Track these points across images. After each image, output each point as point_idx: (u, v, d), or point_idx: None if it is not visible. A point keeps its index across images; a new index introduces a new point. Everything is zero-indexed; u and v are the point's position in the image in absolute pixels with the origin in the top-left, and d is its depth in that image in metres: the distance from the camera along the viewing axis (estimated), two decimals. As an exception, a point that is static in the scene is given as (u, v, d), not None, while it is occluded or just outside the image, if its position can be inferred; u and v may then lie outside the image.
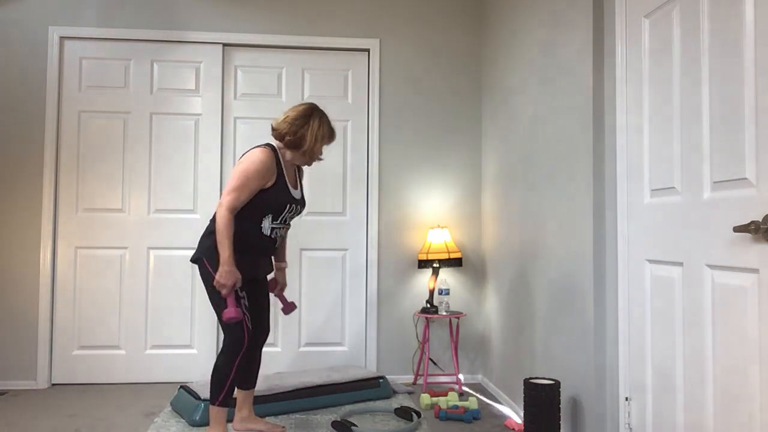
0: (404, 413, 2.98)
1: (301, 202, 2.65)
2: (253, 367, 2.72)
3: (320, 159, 2.64)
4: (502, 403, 3.35)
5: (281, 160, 2.57)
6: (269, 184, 2.50)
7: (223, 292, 2.37)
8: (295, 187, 2.64)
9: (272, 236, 2.57)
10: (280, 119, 2.59)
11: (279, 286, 2.82)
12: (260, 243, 2.55)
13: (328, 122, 2.62)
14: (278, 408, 3.04)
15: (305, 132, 2.53)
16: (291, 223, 2.73)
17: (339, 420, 2.80)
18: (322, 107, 2.66)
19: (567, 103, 2.61)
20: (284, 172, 2.56)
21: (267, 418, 3.00)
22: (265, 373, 3.64)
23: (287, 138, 2.54)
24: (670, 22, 2.03)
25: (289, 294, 3.81)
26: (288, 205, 2.56)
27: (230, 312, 2.35)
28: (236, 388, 2.69)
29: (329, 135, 2.60)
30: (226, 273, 2.35)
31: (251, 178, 2.43)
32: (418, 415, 2.93)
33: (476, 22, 3.99)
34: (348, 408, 3.17)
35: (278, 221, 2.57)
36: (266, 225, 2.54)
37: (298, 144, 2.53)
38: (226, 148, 3.84)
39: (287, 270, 2.70)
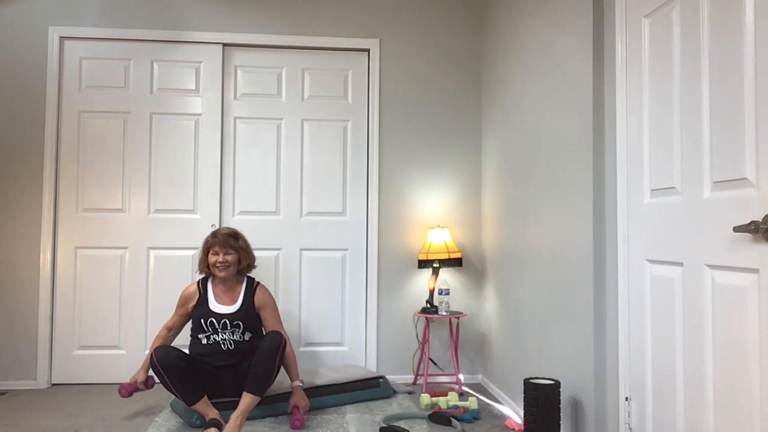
0: (439, 418, 2.90)
1: (229, 316, 3.04)
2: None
3: (218, 265, 3.06)
4: (502, 403, 3.35)
5: (208, 285, 3.14)
6: (190, 307, 3.12)
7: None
8: (229, 304, 3.08)
9: (210, 343, 3.00)
10: None
11: (293, 403, 2.96)
12: (206, 350, 2.99)
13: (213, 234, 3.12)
14: (278, 409, 3.03)
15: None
16: (237, 329, 3.05)
17: (386, 426, 2.75)
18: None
19: (567, 103, 2.61)
20: (209, 293, 3.11)
21: (267, 418, 3.00)
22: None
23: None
24: (670, 22, 2.03)
25: (289, 293, 3.82)
26: (206, 320, 3.03)
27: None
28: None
29: (210, 242, 3.10)
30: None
31: (176, 306, 3.18)
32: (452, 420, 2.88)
33: (476, 22, 3.99)
34: (387, 411, 3.15)
35: (208, 332, 3.02)
36: (202, 336, 3.03)
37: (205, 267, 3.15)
38: (226, 148, 3.84)
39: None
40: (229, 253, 3.08)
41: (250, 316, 3.08)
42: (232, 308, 3.08)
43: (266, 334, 2.97)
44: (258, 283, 3.20)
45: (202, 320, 3.04)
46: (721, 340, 1.75)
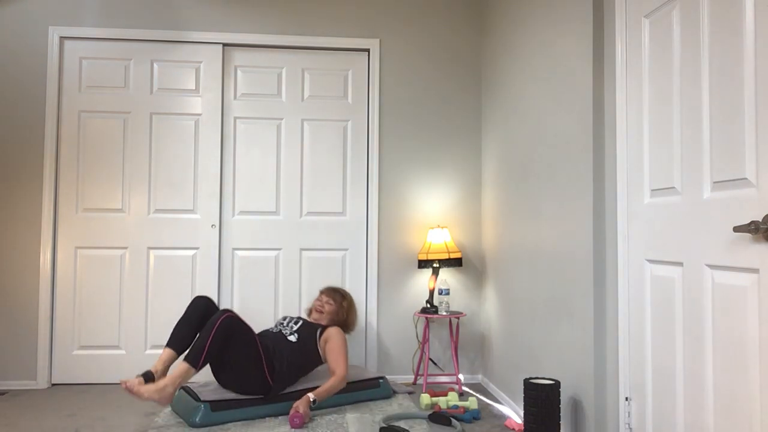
0: (439, 418, 2.89)
1: (293, 318, 3.36)
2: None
3: (316, 307, 3.42)
4: (502, 403, 3.35)
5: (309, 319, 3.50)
6: None
7: None
8: (308, 316, 3.48)
9: (276, 333, 3.26)
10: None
11: (295, 404, 2.94)
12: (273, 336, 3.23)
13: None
14: (278, 409, 3.03)
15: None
16: (292, 326, 3.30)
17: (386, 426, 2.75)
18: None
19: (567, 104, 2.61)
20: (308, 318, 3.49)
21: (267, 418, 3.00)
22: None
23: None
24: (670, 22, 2.03)
25: (289, 293, 3.81)
26: (287, 315, 3.63)
27: None
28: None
29: (323, 289, 3.54)
30: None
31: None
32: (452, 420, 2.88)
33: (476, 22, 3.99)
34: (387, 411, 3.16)
35: (277, 328, 3.32)
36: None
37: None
38: (226, 148, 3.84)
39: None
40: (329, 303, 3.38)
41: (309, 331, 3.24)
42: (301, 318, 3.39)
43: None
44: (339, 328, 3.31)
45: (283, 319, 3.40)
46: (721, 340, 1.75)
